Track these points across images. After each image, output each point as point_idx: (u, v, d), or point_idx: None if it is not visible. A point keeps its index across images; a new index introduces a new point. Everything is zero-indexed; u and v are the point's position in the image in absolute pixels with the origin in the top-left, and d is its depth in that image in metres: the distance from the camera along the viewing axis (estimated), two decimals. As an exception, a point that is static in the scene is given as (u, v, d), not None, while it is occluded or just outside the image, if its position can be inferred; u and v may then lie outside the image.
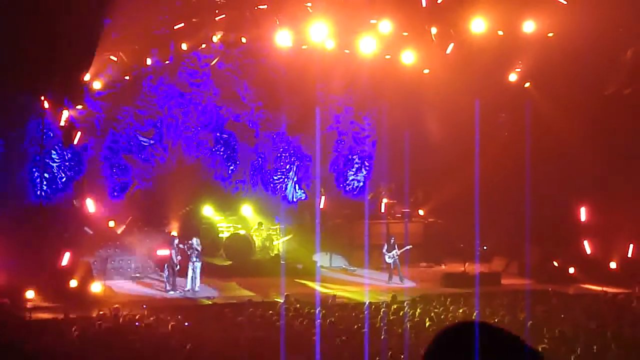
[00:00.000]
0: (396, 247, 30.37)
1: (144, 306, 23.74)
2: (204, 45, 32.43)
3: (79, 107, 30.10)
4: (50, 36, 25.95)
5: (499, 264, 33.05)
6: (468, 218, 30.17)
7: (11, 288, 24.59)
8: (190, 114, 34.14)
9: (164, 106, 33.49)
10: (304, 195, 36.22)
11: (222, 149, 35.16)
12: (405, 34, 31.96)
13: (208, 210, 33.91)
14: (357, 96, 36.38)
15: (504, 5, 30.51)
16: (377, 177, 37.04)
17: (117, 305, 22.23)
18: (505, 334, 3.20)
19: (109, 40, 28.34)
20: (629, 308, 24.22)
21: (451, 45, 32.13)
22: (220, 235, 33.57)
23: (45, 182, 30.60)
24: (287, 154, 35.96)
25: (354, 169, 37.45)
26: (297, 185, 36.21)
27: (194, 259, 27.61)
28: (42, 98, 28.44)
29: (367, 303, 23.38)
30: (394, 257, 30.28)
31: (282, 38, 31.25)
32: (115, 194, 32.93)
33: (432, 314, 21.60)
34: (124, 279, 29.48)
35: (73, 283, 25.84)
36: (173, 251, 27.72)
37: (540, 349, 14.08)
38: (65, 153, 30.94)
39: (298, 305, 22.70)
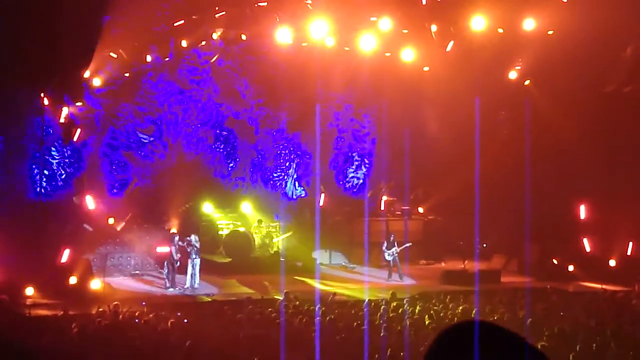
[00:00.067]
0: (396, 244, 30.38)
1: (144, 303, 23.75)
2: (204, 42, 32.43)
3: (79, 103, 30.10)
4: (50, 33, 25.95)
5: (499, 261, 33.08)
6: (468, 216, 30.16)
7: (10, 285, 24.60)
8: (190, 111, 34.12)
9: (163, 103, 33.47)
10: (303, 192, 36.21)
11: (221, 146, 35.15)
12: (405, 31, 31.96)
13: (208, 208, 33.91)
14: (357, 94, 36.36)
15: (504, 2, 30.53)
16: (377, 174, 37.01)
17: (116, 302, 22.22)
18: (507, 334, 3.19)
19: (108, 37, 28.32)
20: (628, 306, 24.24)
21: (451, 43, 32.12)
22: (219, 232, 33.56)
23: (44, 179, 30.56)
24: (287, 152, 35.94)
25: (353, 167, 37.44)
26: (296, 183, 36.20)
27: (193, 256, 27.63)
28: (42, 95, 28.41)
29: (366, 300, 23.39)
30: (393, 254, 30.28)
31: (282, 35, 31.24)
32: (115, 190, 32.91)
33: (432, 312, 21.61)
34: (123, 275, 29.52)
35: (72, 280, 25.84)
36: (173, 248, 27.72)
37: (539, 347, 14.06)
38: (64, 150, 30.91)
39: (297, 303, 22.70)
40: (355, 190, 37.39)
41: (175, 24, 30.67)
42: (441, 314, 21.54)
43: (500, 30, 31.50)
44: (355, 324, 19.54)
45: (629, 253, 31.60)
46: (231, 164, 35.40)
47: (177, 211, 31.82)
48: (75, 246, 26.97)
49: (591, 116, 32.11)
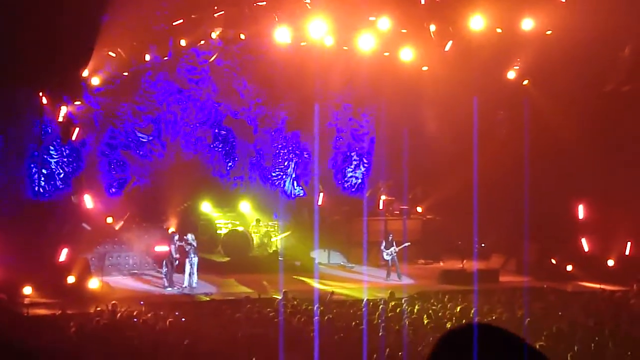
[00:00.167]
0: (394, 244, 30.37)
1: (142, 302, 23.72)
2: (202, 42, 32.43)
3: (77, 103, 30.10)
4: (49, 32, 25.94)
5: (497, 261, 33.09)
6: (466, 215, 30.14)
7: (9, 284, 24.58)
8: (189, 110, 34.11)
9: (162, 102, 33.45)
10: (302, 192, 36.20)
11: (220, 146, 35.13)
12: (404, 31, 31.96)
13: (206, 207, 33.90)
14: (355, 93, 36.35)
15: (502, 2, 30.55)
16: (376, 174, 37.01)
17: (114, 302, 22.21)
18: (509, 336, 3.18)
19: (107, 36, 28.32)
20: (626, 305, 24.25)
21: (450, 43, 32.14)
22: (218, 231, 33.56)
23: (43, 178, 30.56)
24: (285, 151, 35.92)
25: (352, 166, 37.43)
26: (295, 182, 36.18)
27: (192, 255, 27.63)
28: (41, 94, 28.42)
29: (365, 300, 23.39)
30: (392, 254, 30.27)
31: (281, 35, 31.25)
32: (113, 190, 32.89)
33: (430, 311, 21.61)
34: (121, 275, 29.49)
35: (71, 279, 25.83)
36: (173, 247, 27.71)
37: (537, 347, 14.09)
38: (63, 149, 30.89)
39: (296, 302, 22.70)
40: (353, 189, 37.38)
41: (174, 23, 30.67)
42: (439, 314, 21.55)
43: (499, 30, 31.51)
44: (353, 323, 19.55)
45: (627, 253, 31.63)
46: (230, 163, 35.38)
47: (175, 210, 31.81)
48: (73, 245, 26.95)
49: (590, 116, 32.12)
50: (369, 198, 35.48)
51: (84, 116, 30.94)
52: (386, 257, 30.42)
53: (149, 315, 20.77)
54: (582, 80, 31.53)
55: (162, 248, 28.79)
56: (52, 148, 30.70)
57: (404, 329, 18.81)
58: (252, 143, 35.72)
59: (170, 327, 19.20)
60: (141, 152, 33.41)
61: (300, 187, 36.25)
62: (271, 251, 32.97)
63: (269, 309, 21.43)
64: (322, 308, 21.18)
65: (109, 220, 29.92)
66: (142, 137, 33.33)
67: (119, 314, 20.76)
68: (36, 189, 30.32)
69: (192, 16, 30.79)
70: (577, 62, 30.85)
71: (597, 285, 28.41)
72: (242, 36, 32.27)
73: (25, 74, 26.88)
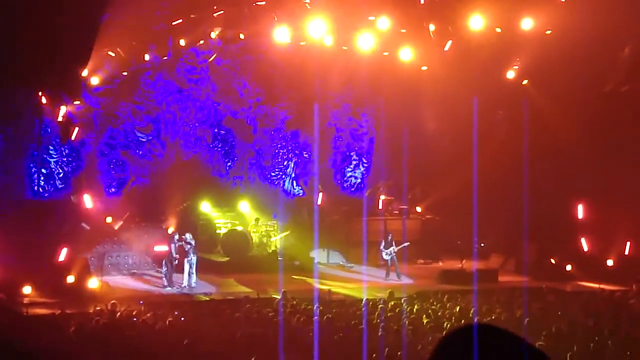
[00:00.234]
0: (394, 243, 30.38)
1: (141, 302, 23.72)
2: (202, 41, 32.43)
3: (77, 102, 30.09)
4: (48, 32, 25.92)
5: (496, 261, 33.10)
6: (465, 215, 30.15)
7: (8, 283, 24.58)
8: (188, 110, 34.12)
9: (161, 102, 33.46)
10: (301, 191, 36.20)
11: (219, 145, 35.14)
12: (404, 30, 31.95)
13: (205, 207, 33.89)
14: (355, 93, 36.36)
15: (502, 2, 30.55)
16: (375, 173, 37.03)
17: (114, 301, 22.21)
18: (512, 337, 3.18)
19: (107, 36, 28.29)
20: (625, 305, 24.26)
21: (449, 43, 32.12)
22: (217, 231, 33.54)
23: (42, 178, 30.58)
24: (285, 151, 35.93)
25: (351, 166, 37.43)
26: (294, 182, 36.18)
27: (191, 254, 27.63)
28: (40, 93, 28.41)
29: (364, 300, 23.40)
30: (391, 253, 30.28)
31: (280, 34, 31.24)
32: (113, 189, 32.91)
33: (430, 311, 21.64)
34: (121, 274, 29.49)
35: (70, 279, 25.82)
36: (173, 246, 27.71)
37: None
38: (62, 148, 30.91)
39: (295, 302, 22.70)
40: (353, 189, 37.39)
41: (173, 23, 30.66)
42: (439, 313, 21.56)
43: (498, 30, 31.50)
44: (353, 323, 19.56)
45: (626, 253, 31.61)
46: (229, 163, 35.39)
47: (175, 210, 31.80)
48: (72, 245, 26.94)
49: (589, 116, 32.12)
50: (369, 198, 35.47)
51: (83, 116, 30.95)
52: (385, 257, 30.42)
53: (149, 314, 20.78)
54: (582, 80, 31.53)
55: (161, 248, 28.79)
56: (51, 148, 30.72)
57: (403, 329, 18.82)
58: (252, 143, 35.72)
59: (169, 326, 19.20)
60: (140, 152, 33.42)
61: (300, 187, 36.26)
62: (270, 251, 32.97)
63: (268, 309, 21.44)
64: (321, 308, 21.19)
65: (109, 219, 29.92)
66: (142, 137, 33.34)
67: (118, 314, 20.76)
68: (35, 188, 30.33)
69: (192, 16, 30.79)
70: (577, 62, 30.85)
71: (597, 285, 28.41)
72: (242, 36, 32.26)
73: (24, 73, 26.87)
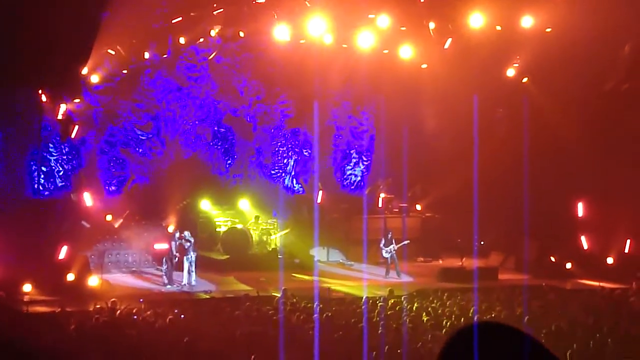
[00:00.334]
0: (393, 241, 30.37)
1: (141, 300, 23.74)
2: (201, 39, 32.42)
3: (77, 100, 30.09)
4: (48, 30, 25.91)
5: (496, 259, 33.08)
6: (466, 213, 30.18)
7: (8, 281, 24.59)
8: (188, 108, 34.11)
9: (161, 100, 33.45)
10: (301, 189, 36.20)
11: (219, 143, 35.14)
12: (403, 28, 31.95)
13: (205, 205, 33.91)
14: (355, 91, 36.35)
15: (502, 0, 30.52)
16: (375, 171, 37.03)
17: (114, 299, 22.21)
18: (520, 334, 3.18)
19: (106, 34, 28.30)
20: (626, 303, 24.24)
21: (449, 40, 32.13)
22: (217, 229, 33.56)
23: (42, 176, 30.58)
24: (285, 148, 35.91)
25: (351, 164, 37.42)
26: (294, 180, 36.17)
27: (190, 252, 27.64)
28: (40, 92, 28.41)
29: (364, 298, 23.41)
30: (391, 251, 30.28)
31: (280, 32, 31.24)
32: (113, 187, 32.91)
33: (429, 309, 21.65)
34: (121, 272, 29.51)
35: (70, 277, 25.83)
36: (173, 244, 27.73)
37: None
38: (62, 147, 30.91)
39: (295, 300, 22.71)
40: (353, 187, 37.38)
41: (173, 21, 30.66)
42: (439, 311, 21.57)
43: (499, 28, 31.51)
44: (353, 321, 19.56)
45: (626, 250, 31.63)
46: (229, 161, 35.39)
47: (174, 208, 31.80)
48: (73, 243, 26.96)
49: (589, 114, 32.11)
50: (369, 196, 35.46)
51: (83, 114, 30.95)
52: (385, 255, 30.42)
53: (149, 312, 20.79)
54: (582, 78, 31.50)
55: (161, 246, 28.79)
56: (51, 146, 30.71)
57: (403, 327, 18.82)
58: (252, 141, 35.72)
59: (169, 324, 19.20)
60: (140, 150, 33.42)
61: (300, 185, 36.25)
62: (270, 249, 32.98)
63: (268, 307, 21.45)
64: (321, 306, 21.19)
65: (109, 217, 29.94)
66: (142, 135, 33.34)
67: (118, 312, 20.76)
68: (36, 186, 30.33)
69: (191, 14, 30.78)
70: (577, 60, 30.83)
71: (597, 283, 28.41)
72: (242, 34, 32.25)
73: (24, 72, 26.87)
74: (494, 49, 32.11)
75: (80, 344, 17.26)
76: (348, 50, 33.07)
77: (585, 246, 32.34)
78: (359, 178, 37.46)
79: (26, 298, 24.27)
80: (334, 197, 35.63)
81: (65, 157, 31.14)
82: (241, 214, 34.25)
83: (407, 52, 32.76)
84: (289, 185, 36.05)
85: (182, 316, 20.76)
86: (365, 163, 37.50)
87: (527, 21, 31.06)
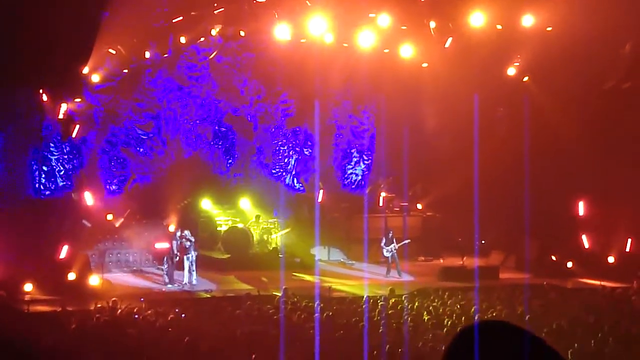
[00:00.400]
0: (394, 241, 30.36)
1: (142, 299, 23.77)
2: (202, 39, 32.42)
3: (78, 100, 30.11)
4: (49, 29, 25.93)
5: (497, 258, 33.06)
6: (466, 212, 30.18)
7: (9, 280, 24.62)
8: (189, 107, 34.12)
9: (162, 99, 33.46)
10: (302, 188, 36.19)
11: (220, 143, 35.15)
12: (404, 27, 31.96)
13: (206, 204, 33.90)
14: (355, 90, 36.34)
15: (502, -1, 30.58)
16: (376, 170, 37.04)
17: (115, 298, 22.24)
18: (527, 334, 3.18)
19: (107, 33, 28.32)
20: (626, 302, 24.25)
21: (450, 39, 32.15)
22: (218, 228, 33.56)
23: (43, 175, 30.58)
24: (285, 148, 35.92)
25: (352, 163, 37.42)
26: (295, 179, 36.17)
27: (190, 251, 27.64)
28: (41, 91, 28.42)
29: (365, 297, 23.42)
30: (392, 250, 30.28)
31: (281, 31, 31.25)
32: (114, 187, 32.91)
33: (430, 308, 21.66)
34: (122, 272, 29.53)
35: (71, 276, 25.85)
36: (174, 243, 27.73)
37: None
38: (63, 146, 30.91)
39: (296, 299, 22.72)
40: (354, 186, 37.38)
41: (173, 21, 30.67)
42: (440, 311, 21.58)
43: (499, 27, 31.52)
44: (354, 320, 19.57)
45: (627, 249, 31.62)
46: (230, 160, 35.40)
47: (175, 207, 31.80)
48: (73, 242, 26.98)
49: (590, 113, 32.11)
50: (369, 195, 35.47)
51: (84, 113, 30.95)
52: (386, 254, 30.41)
53: (150, 312, 20.81)
54: (583, 78, 31.51)
55: (162, 245, 28.80)
56: (52, 145, 30.71)
57: (404, 326, 18.82)
58: (252, 140, 35.72)
59: (170, 324, 19.21)
60: (141, 150, 33.43)
61: (300, 184, 36.25)
62: (271, 248, 32.97)
63: (269, 306, 21.45)
64: (322, 305, 21.19)
65: (109, 217, 29.97)
66: (142, 135, 33.34)
67: (119, 311, 20.79)
68: (36, 186, 30.34)
69: (192, 13, 30.80)
70: (578, 59, 30.83)
71: (598, 282, 28.42)
72: (242, 33, 32.26)
73: (25, 71, 26.88)
74: (494, 48, 32.12)
75: (81, 344, 17.27)
76: (349, 49, 33.07)
77: (586, 245, 32.33)
78: (359, 177, 37.46)
79: (27, 297, 24.29)
80: (335, 196, 35.63)
81: (66, 156, 31.14)
82: (242, 213, 34.24)
83: (407, 51, 32.77)
84: (290, 184, 36.04)
85: (183, 315, 20.76)
86: (366, 162, 37.49)
87: (527, 20, 31.06)
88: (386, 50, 33.31)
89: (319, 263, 31.83)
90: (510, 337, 3.18)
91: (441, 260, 33.79)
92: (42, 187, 30.55)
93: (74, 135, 29.97)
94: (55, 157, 30.93)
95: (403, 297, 23.81)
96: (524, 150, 30.38)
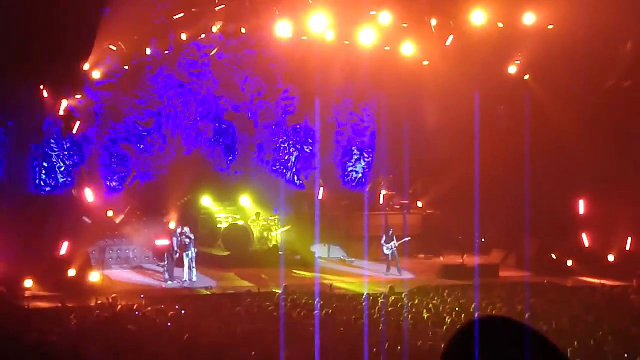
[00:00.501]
0: (395, 238, 30.37)
1: (142, 296, 23.78)
2: (203, 36, 32.40)
3: (78, 96, 30.10)
4: (50, 25, 25.91)
5: (497, 256, 33.09)
6: (467, 210, 30.17)
7: (9, 277, 24.61)
8: (190, 104, 34.11)
9: (163, 96, 33.45)
10: (302, 186, 36.18)
11: (221, 140, 35.14)
12: (405, 25, 31.95)
13: (206, 201, 33.89)
14: (356, 87, 36.33)
15: (503, -3, 30.58)
16: (376, 168, 37.03)
17: (115, 295, 22.28)
18: (528, 329, 3.18)
19: (108, 30, 28.29)
20: (626, 301, 24.27)
21: (451, 37, 32.13)
22: (218, 225, 33.56)
23: (44, 172, 30.57)
24: (286, 145, 35.92)
25: (353, 160, 37.41)
26: (296, 176, 36.18)
27: (191, 249, 27.64)
28: (42, 87, 28.40)
29: (365, 294, 23.43)
30: (392, 248, 30.28)
31: (282, 29, 31.22)
32: (114, 183, 32.92)
33: (430, 306, 21.65)
34: (122, 268, 29.53)
35: (71, 272, 25.85)
36: (175, 240, 27.74)
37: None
38: (64, 142, 30.91)
39: (296, 296, 22.72)
40: (354, 184, 37.38)
41: (174, 17, 30.66)
42: (440, 308, 21.58)
43: (500, 25, 31.50)
44: (354, 317, 19.58)
45: (627, 248, 31.64)
46: (230, 157, 35.39)
47: (176, 204, 31.80)
48: (74, 239, 26.97)
49: (591, 111, 32.10)
50: (370, 192, 35.48)
51: (84, 110, 30.95)
52: (386, 252, 30.43)
53: (150, 309, 20.82)
54: (583, 76, 31.51)
55: (162, 242, 28.80)
56: (53, 142, 30.70)
57: (404, 324, 18.83)
58: (253, 137, 35.71)
59: (170, 320, 19.22)
60: (142, 146, 33.42)
61: (301, 181, 36.25)
62: (271, 245, 32.96)
63: (268, 303, 21.45)
64: (322, 302, 21.20)
65: (110, 213, 29.98)
66: (143, 131, 33.33)
67: (119, 308, 20.81)
68: (37, 182, 30.34)
69: (193, 10, 30.79)
70: (579, 57, 30.83)
71: (598, 281, 28.44)
72: (243, 30, 32.24)
73: (26, 67, 26.85)
74: (495, 46, 32.12)
75: (81, 340, 17.28)
76: (350, 47, 33.06)
77: (586, 244, 32.35)
78: (360, 175, 37.46)
79: (27, 294, 24.30)
80: (335, 194, 35.63)
81: (66, 153, 31.14)
82: (242, 211, 34.22)
83: (408, 49, 32.76)
84: (290, 181, 36.03)
85: (183, 312, 20.77)
86: (366, 160, 37.49)
87: (528, 18, 31.06)
88: (387, 48, 33.29)
89: (319, 260, 31.86)
90: (510, 332, 3.19)
91: (441, 258, 33.82)
92: (42, 183, 30.54)
93: (74, 131, 29.96)
94: (56, 153, 30.93)
95: (403, 294, 23.83)
96: (524, 148, 30.36)
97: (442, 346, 3.29)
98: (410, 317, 19.81)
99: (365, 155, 37.48)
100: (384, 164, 35.79)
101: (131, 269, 29.72)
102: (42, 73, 27.62)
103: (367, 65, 33.79)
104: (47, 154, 30.70)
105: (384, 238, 30.56)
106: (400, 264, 30.40)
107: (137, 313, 20.27)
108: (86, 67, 29.19)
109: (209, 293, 26.33)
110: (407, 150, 33.28)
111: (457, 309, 21.43)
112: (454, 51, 32.43)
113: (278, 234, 33.37)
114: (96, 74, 30.21)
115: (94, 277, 26.31)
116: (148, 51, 31.40)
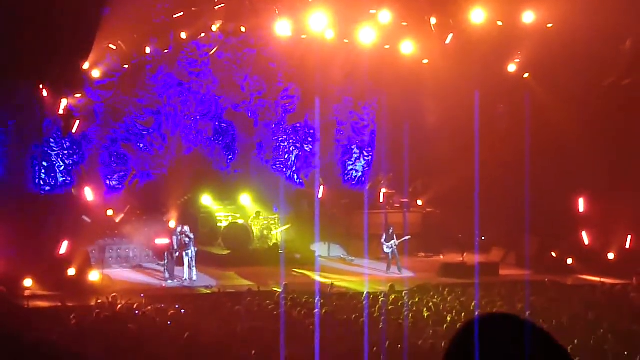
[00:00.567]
0: (395, 237, 30.38)
1: (142, 295, 23.77)
2: (203, 35, 32.40)
3: (78, 95, 30.10)
4: (50, 24, 25.91)
5: (497, 254, 33.08)
6: (467, 208, 30.13)
7: (9, 276, 24.61)
8: (189, 103, 34.10)
9: (163, 95, 33.43)
10: (302, 184, 36.17)
11: (221, 138, 35.14)
12: (405, 24, 31.95)
13: (206, 199, 33.89)
14: (356, 86, 36.31)
15: (503, -5, 30.57)
16: (376, 167, 37.02)
17: (115, 294, 22.28)
18: (529, 326, 3.18)
19: (108, 29, 28.29)
20: (626, 299, 24.27)
21: (450, 36, 32.12)
22: (218, 224, 33.55)
23: (43, 171, 30.57)
24: (286, 144, 35.91)
25: (352, 159, 37.40)
26: (296, 175, 36.17)
27: (190, 247, 27.64)
28: (41, 86, 28.39)
29: (365, 293, 23.43)
30: (392, 247, 30.28)
31: (282, 27, 31.22)
32: (114, 182, 32.91)
33: (430, 304, 21.65)
34: (122, 267, 29.55)
35: (71, 271, 25.86)
36: (175, 238, 27.74)
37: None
38: (63, 141, 30.90)
39: (296, 295, 22.72)
40: (354, 182, 37.37)
41: (174, 16, 30.66)
42: (440, 307, 21.59)
43: (500, 23, 31.49)
44: (354, 316, 19.58)
45: (627, 246, 31.63)
46: (230, 156, 35.39)
47: (175, 203, 31.80)
48: (74, 238, 26.97)
49: (590, 109, 32.09)
50: (370, 191, 35.47)
51: (84, 109, 30.94)
52: (386, 250, 30.43)
53: (149, 307, 20.82)
54: (583, 74, 31.49)
55: (162, 241, 28.80)
56: (52, 141, 30.69)
57: (404, 322, 18.83)
58: (253, 136, 35.71)
59: (170, 319, 19.22)
60: (142, 145, 33.41)
61: (301, 180, 36.24)
62: (271, 244, 32.96)
63: (268, 302, 21.45)
64: (322, 301, 21.20)
65: (110, 212, 29.97)
66: (143, 130, 33.33)
67: (119, 307, 20.80)
68: (37, 181, 30.33)
69: (193, 9, 30.79)
70: (578, 55, 30.83)
71: (597, 279, 28.42)
72: (243, 29, 32.25)
73: (25, 66, 26.85)
74: (495, 45, 32.10)
75: (81, 339, 17.29)
76: (349, 45, 33.06)
77: (586, 242, 32.34)
78: (360, 173, 37.45)
79: (27, 293, 24.28)
80: (335, 193, 35.63)
81: (66, 152, 31.13)
82: (242, 209, 34.22)
83: (408, 47, 32.76)
84: (290, 180, 36.02)
85: (183, 311, 20.79)
86: (366, 158, 37.48)
87: (528, 17, 31.05)
88: (387, 47, 33.29)
89: (319, 259, 31.84)
90: (511, 329, 3.18)
91: (441, 257, 33.82)
92: (42, 182, 30.53)
93: (74, 130, 29.95)
94: (55, 152, 30.92)
95: (403, 293, 23.83)
96: (524, 146, 30.33)
97: (443, 344, 3.29)
98: (410, 315, 19.81)
99: (365, 154, 37.47)
100: (384, 162, 35.76)
101: (131, 268, 29.73)
102: (41, 72, 27.62)
103: (366, 64, 33.76)
104: (47, 153, 30.69)
105: (384, 236, 30.56)
106: (400, 262, 30.40)
107: (137, 312, 20.27)
108: (86, 66, 29.18)
109: (208, 292, 26.32)
110: (406, 148, 33.25)
111: (457, 307, 21.45)
112: (454, 50, 32.43)
113: (278, 233, 33.37)
114: (96, 73, 30.20)
115: (94, 276, 26.32)
116: (148, 50, 31.39)
